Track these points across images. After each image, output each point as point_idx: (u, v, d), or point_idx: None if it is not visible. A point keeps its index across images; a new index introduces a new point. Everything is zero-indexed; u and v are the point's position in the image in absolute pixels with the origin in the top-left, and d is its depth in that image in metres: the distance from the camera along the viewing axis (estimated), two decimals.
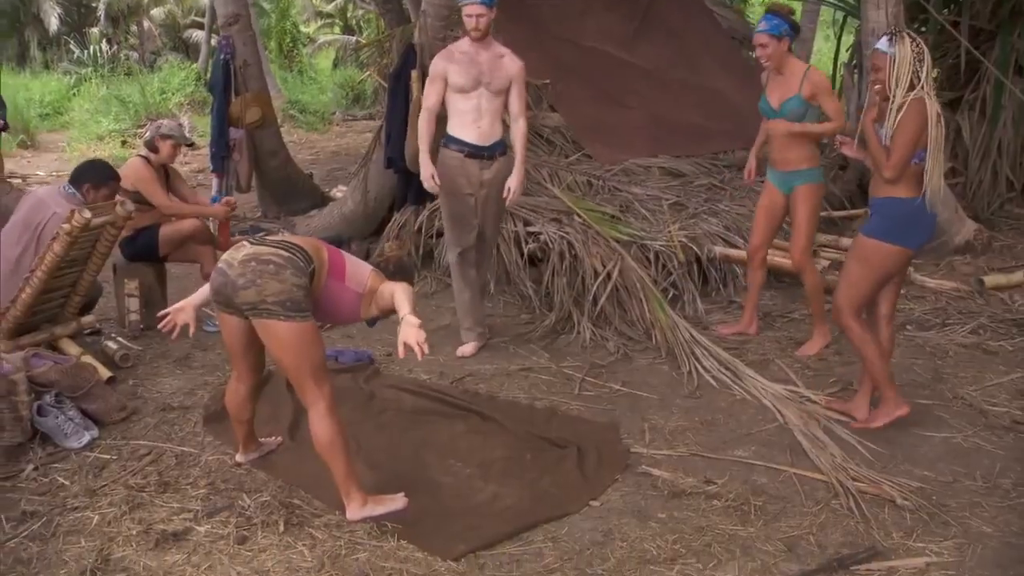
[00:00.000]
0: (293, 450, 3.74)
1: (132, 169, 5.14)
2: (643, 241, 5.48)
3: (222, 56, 7.68)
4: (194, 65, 20.23)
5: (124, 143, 14.33)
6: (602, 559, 2.96)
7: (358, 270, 3.28)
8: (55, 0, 21.50)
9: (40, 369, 3.87)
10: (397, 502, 3.21)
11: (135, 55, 23.03)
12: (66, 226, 4.08)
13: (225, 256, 3.15)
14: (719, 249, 5.66)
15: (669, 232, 5.60)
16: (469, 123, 4.65)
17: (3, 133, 8.33)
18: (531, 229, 5.69)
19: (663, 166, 6.76)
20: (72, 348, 4.53)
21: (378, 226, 6.93)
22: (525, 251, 5.58)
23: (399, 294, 3.12)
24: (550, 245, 5.41)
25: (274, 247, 3.09)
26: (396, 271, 3.35)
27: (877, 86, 3.56)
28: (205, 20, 19.41)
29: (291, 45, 21.39)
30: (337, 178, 10.23)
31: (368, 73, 18.32)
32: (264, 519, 3.17)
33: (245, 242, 3.18)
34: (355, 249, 6.59)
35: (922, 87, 3.48)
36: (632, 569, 2.90)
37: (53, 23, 21.40)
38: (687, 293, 5.41)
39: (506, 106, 4.73)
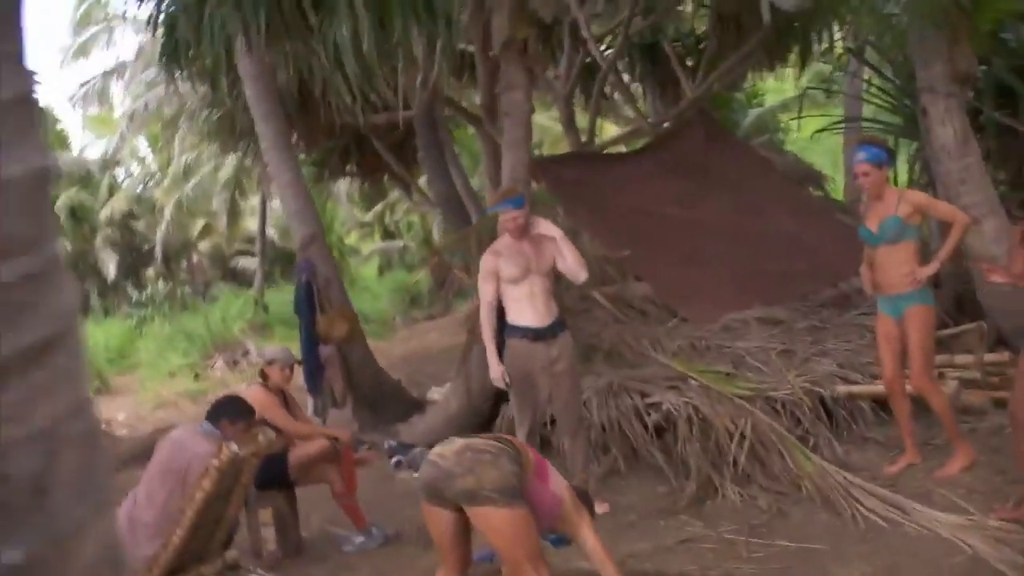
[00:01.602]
0: None
1: (254, 398, 5.23)
2: (767, 393, 5.41)
3: (303, 277, 7.96)
4: (249, 291, 20.93)
5: (197, 376, 14.63)
6: None
7: (558, 477, 3.32)
8: (112, 248, 22.59)
9: None
10: None
11: (187, 289, 23.89)
12: (215, 461, 4.11)
13: (436, 450, 3.25)
14: (842, 388, 5.57)
15: (788, 381, 5.53)
16: (527, 309, 4.92)
17: None
18: (650, 400, 5.65)
19: (758, 317, 6.76)
20: None
21: (482, 422, 6.93)
22: (649, 424, 5.51)
23: (600, 552, 3.24)
24: (675, 412, 5.35)
25: (485, 439, 3.23)
26: (580, 496, 3.41)
27: None
28: (257, 248, 20.20)
29: (339, 257, 22.15)
30: (419, 382, 10.31)
31: (424, 273, 18.89)
32: None
33: (453, 437, 3.30)
34: None
35: None
36: None
37: (111, 270, 22.39)
38: (821, 437, 5.27)
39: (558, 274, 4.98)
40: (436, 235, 17.99)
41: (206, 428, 4.57)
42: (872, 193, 4.73)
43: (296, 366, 5.63)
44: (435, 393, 7.71)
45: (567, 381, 5.00)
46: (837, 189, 11.97)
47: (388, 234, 25.85)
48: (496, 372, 4.95)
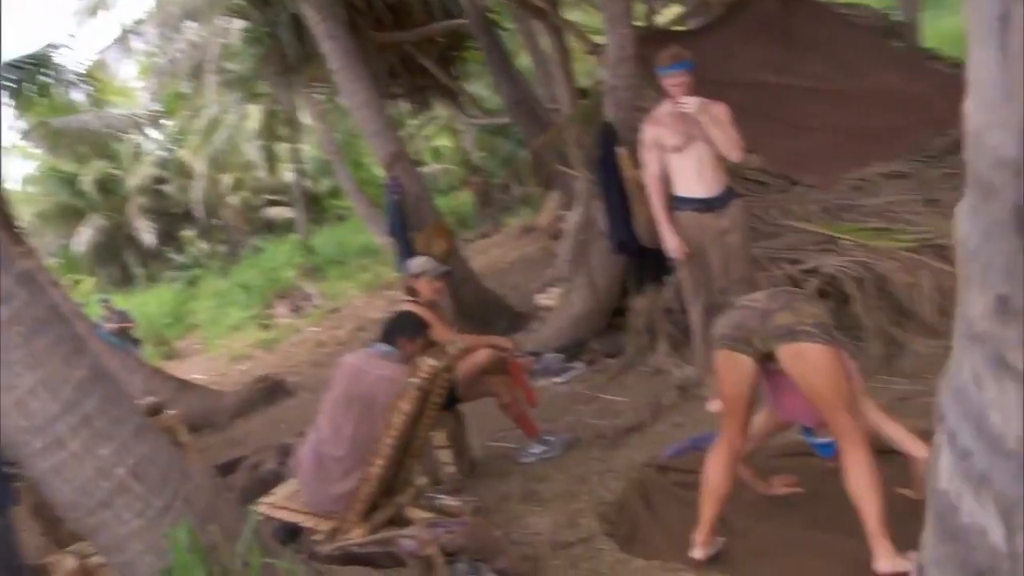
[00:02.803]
0: (748, 540, 3.40)
1: None
2: (934, 242, 5.14)
3: (393, 196, 7.68)
4: (292, 235, 20.72)
5: (266, 326, 14.53)
6: None
7: None
8: (146, 216, 22.35)
9: (446, 538, 3.63)
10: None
11: (226, 246, 23.72)
12: (415, 380, 3.89)
13: (745, 299, 3.20)
14: None
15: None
16: (694, 179, 4.71)
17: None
18: (804, 267, 5.40)
19: (883, 173, 6.46)
20: (420, 514, 4.29)
21: (610, 319, 6.73)
22: (812, 290, 5.26)
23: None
24: (845, 272, 5.09)
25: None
26: None
27: None
28: (295, 192, 19.82)
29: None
30: (505, 295, 10.09)
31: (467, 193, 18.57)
32: None
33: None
34: (598, 351, 6.38)
35: None
36: None
37: (149, 238, 22.20)
38: None
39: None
40: (473, 154, 17.55)
41: (383, 349, 4.34)
42: None
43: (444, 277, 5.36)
44: (545, 299, 7.48)
45: (740, 252, 4.83)
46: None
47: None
48: (673, 244, 4.78)
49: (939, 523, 1.29)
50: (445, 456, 4.91)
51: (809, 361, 2.96)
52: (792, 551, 3.25)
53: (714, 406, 3.87)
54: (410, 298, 5.08)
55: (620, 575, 3.49)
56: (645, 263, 6.10)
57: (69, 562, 3.72)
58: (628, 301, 6.60)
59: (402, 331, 4.35)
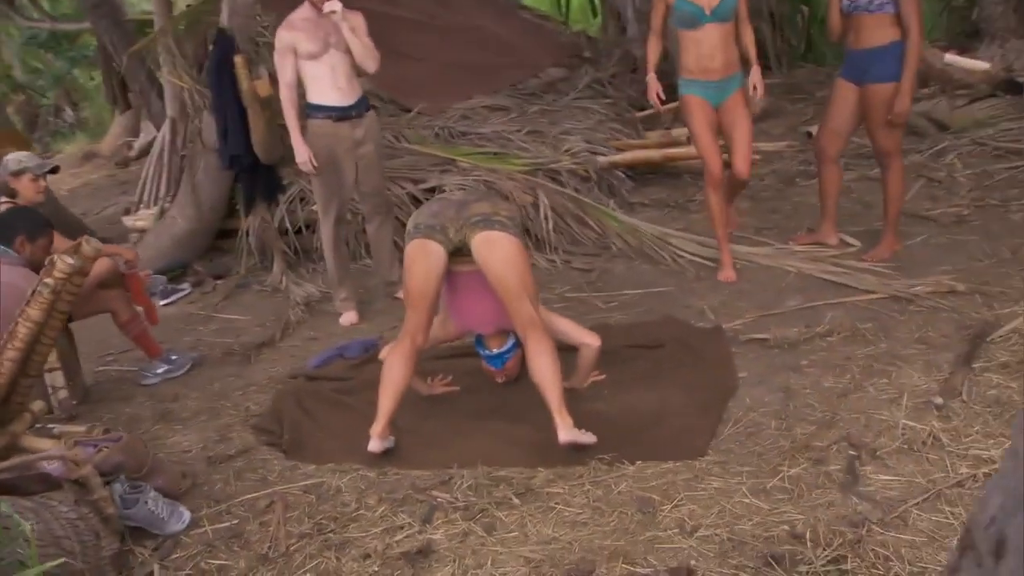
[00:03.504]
0: (417, 435, 3.44)
1: None
2: (547, 167, 5.59)
3: None
4: None
5: None
6: (817, 402, 3.15)
7: None
8: None
9: (99, 456, 3.15)
10: (591, 436, 3.15)
11: None
12: (49, 280, 3.27)
13: (443, 193, 3.27)
14: (602, 159, 5.95)
15: (567, 151, 5.76)
16: (329, 87, 4.63)
17: None
18: (425, 186, 5.55)
19: (486, 105, 6.85)
20: (43, 443, 3.67)
21: (214, 240, 6.32)
22: None
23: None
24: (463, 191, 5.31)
25: None
26: None
27: None
28: None
29: None
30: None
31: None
32: (492, 501, 2.94)
33: None
34: (203, 273, 5.98)
35: None
36: (837, 400, 3.13)
37: None
38: (608, 203, 5.63)
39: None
40: (17, 70, 15.10)
41: None
42: None
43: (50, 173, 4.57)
44: (136, 220, 6.73)
45: (374, 163, 4.77)
46: None
47: None
48: (303, 155, 4.57)
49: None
50: (56, 379, 4.24)
51: (502, 248, 3.11)
52: (461, 438, 3.36)
53: (400, 294, 3.88)
54: (7, 199, 4.29)
55: (294, 481, 3.34)
56: (256, 180, 5.82)
57: None
58: (233, 221, 6.27)
59: (19, 228, 3.66)
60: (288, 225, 5.86)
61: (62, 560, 2.46)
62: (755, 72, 4.33)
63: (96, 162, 11.94)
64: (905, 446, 2.78)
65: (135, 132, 11.64)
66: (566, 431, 3.04)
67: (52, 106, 15.26)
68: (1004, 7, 7.79)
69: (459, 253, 3.25)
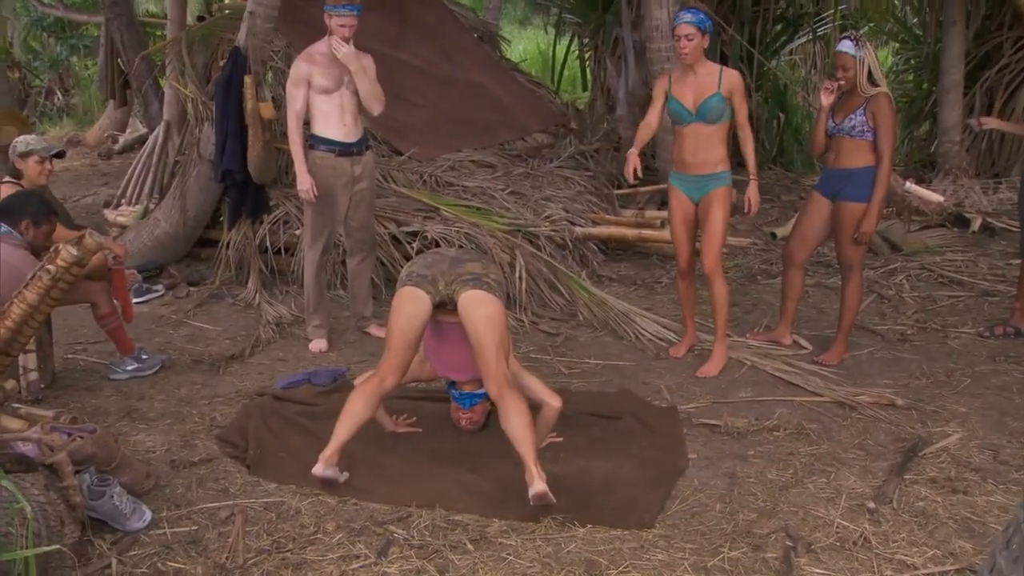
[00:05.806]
0: (378, 469, 3.58)
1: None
2: (527, 229, 5.81)
3: None
4: None
5: None
6: (760, 492, 3.37)
7: None
8: None
9: (73, 444, 3.24)
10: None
11: None
12: (50, 267, 3.39)
13: (436, 249, 3.58)
14: (579, 229, 6.18)
15: (538, 221, 5.99)
16: (335, 122, 4.82)
17: None
18: (407, 229, 5.74)
19: (474, 160, 7.07)
20: (13, 423, 3.74)
21: (191, 247, 6.42)
22: (413, 251, 5.60)
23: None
24: (450, 242, 5.51)
25: None
26: None
27: (843, 82, 4.36)
28: None
29: None
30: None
31: None
32: (447, 543, 3.08)
33: None
34: (178, 277, 6.07)
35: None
36: (779, 492, 3.35)
37: None
38: (580, 273, 5.85)
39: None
40: (17, 48, 15.00)
41: (1, 229, 3.67)
42: (691, 59, 4.33)
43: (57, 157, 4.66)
44: (119, 216, 6.78)
45: (367, 200, 4.98)
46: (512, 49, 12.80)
47: None
48: (306, 184, 4.72)
49: None
50: (28, 361, 4.30)
51: (486, 308, 3.34)
52: (421, 479, 3.51)
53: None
54: (11, 180, 4.38)
55: (255, 496, 3.45)
56: (245, 197, 5.97)
57: None
58: (214, 232, 6.39)
59: (25, 212, 3.75)
60: (268, 245, 5.98)
61: (56, 547, 2.55)
62: (752, 188, 4.48)
63: (79, 149, 11.94)
64: (838, 543, 3.00)
65: (123, 127, 11.72)
66: (540, 485, 3.16)
67: (44, 88, 15.25)
68: (959, 147, 8.35)
69: (444, 306, 3.45)
